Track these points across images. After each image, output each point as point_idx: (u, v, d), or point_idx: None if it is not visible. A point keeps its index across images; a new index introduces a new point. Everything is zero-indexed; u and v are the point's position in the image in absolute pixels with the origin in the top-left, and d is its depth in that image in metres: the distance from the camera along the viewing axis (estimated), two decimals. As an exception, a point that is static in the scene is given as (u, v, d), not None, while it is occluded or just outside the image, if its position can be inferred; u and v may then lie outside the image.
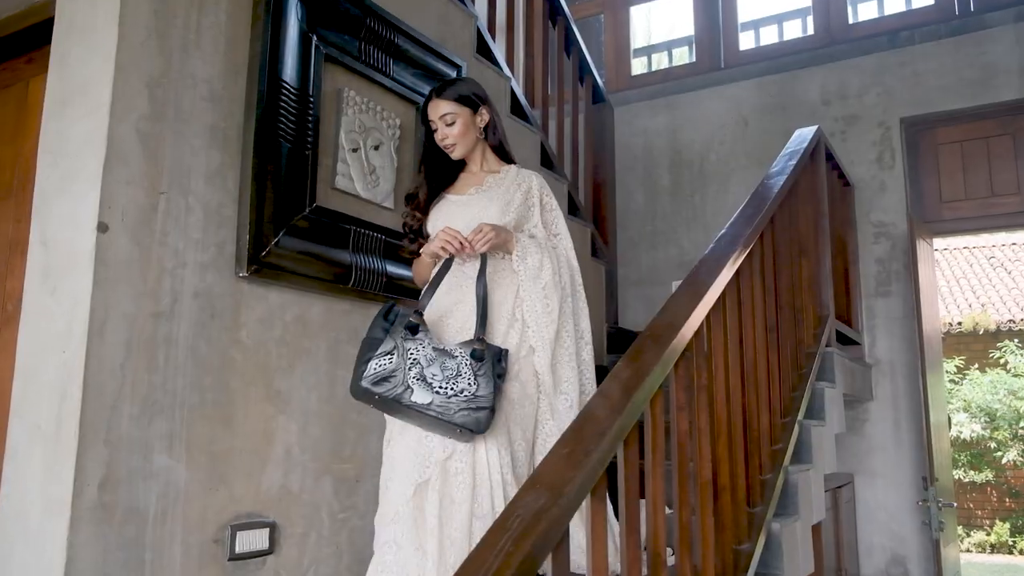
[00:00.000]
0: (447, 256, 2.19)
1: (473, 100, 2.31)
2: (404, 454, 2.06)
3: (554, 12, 3.94)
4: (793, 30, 5.42)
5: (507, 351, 2.10)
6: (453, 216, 2.27)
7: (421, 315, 2.08)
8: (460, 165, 2.39)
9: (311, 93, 2.36)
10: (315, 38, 2.39)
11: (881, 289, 4.56)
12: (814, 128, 3.77)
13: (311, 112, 2.35)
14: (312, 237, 2.32)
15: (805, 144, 3.56)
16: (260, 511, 2.15)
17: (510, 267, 2.25)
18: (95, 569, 1.77)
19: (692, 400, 2.21)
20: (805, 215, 3.55)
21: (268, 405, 2.21)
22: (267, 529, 2.15)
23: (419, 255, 2.30)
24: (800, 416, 3.03)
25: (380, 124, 2.64)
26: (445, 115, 2.27)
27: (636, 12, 5.77)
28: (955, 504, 4.34)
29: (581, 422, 1.69)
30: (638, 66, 5.72)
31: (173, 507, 1.94)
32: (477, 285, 2.14)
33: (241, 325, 2.15)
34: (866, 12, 5.06)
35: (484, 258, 2.17)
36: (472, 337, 2.08)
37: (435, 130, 2.30)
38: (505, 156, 2.43)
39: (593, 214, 4.20)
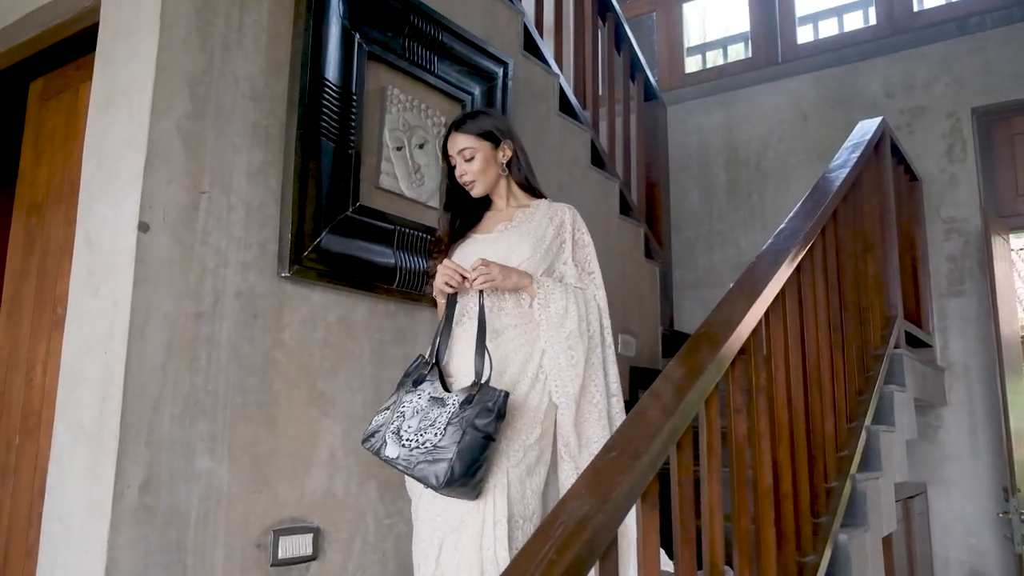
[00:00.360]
0: (451, 292, 2.10)
1: (494, 134, 2.23)
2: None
3: (604, 9, 3.86)
4: (854, 22, 5.23)
5: (506, 394, 1.91)
6: (479, 256, 2.15)
7: (432, 364, 2.03)
8: (486, 201, 2.31)
9: (354, 91, 2.32)
10: (358, 35, 2.35)
11: (954, 288, 4.34)
12: (878, 120, 3.61)
13: (354, 110, 2.32)
14: (356, 236, 2.29)
15: (868, 136, 3.40)
16: (304, 515, 2.11)
17: (533, 317, 2.14)
18: (136, 572, 1.74)
19: (751, 402, 2.10)
20: (870, 210, 3.39)
21: (312, 407, 2.17)
22: (311, 534, 2.11)
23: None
24: (868, 421, 2.87)
25: (425, 122, 2.59)
26: (464, 150, 2.20)
27: (689, 10, 5.65)
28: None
29: (630, 424, 1.60)
30: (692, 64, 5.59)
31: (215, 510, 1.91)
32: (478, 332, 2.02)
33: (284, 326, 2.12)
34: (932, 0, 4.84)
35: (481, 296, 2.07)
36: (473, 382, 1.96)
37: (454, 166, 2.24)
38: (533, 191, 2.35)
39: (646, 214, 4.09)
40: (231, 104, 2.05)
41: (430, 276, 2.23)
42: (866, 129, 3.53)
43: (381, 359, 2.37)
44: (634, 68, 4.10)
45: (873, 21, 4.97)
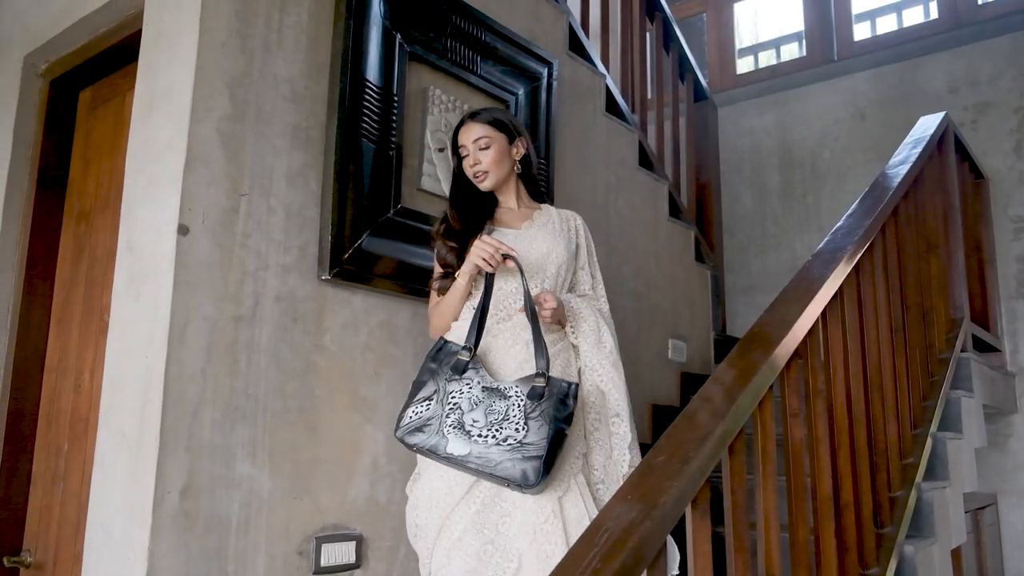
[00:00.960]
0: (489, 271, 1.95)
1: (510, 129, 2.16)
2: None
3: (652, 8, 3.78)
4: (913, 18, 5.04)
5: (576, 385, 1.85)
6: (522, 249, 2.07)
7: (472, 350, 1.89)
8: (491, 203, 2.19)
9: (395, 92, 2.29)
10: (399, 36, 2.32)
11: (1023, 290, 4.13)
12: (940, 115, 3.45)
13: (395, 111, 2.29)
14: (398, 238, 2.25)
15: (931, 132, 3.26)
16: (346, 523, 2.07)
17: (565, 344, 2.06)
18: (176, 579, 1.72)
19: (808, 407, 1.99)
20: (933, 208, 3.24)
21: (354, 413, 2.13)
22: (354, 542, 2.07)
23: (446, 289, 2.09)
24: (933, 428, 2.73)
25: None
26: (480, 139, 2.11)
27: (741, 11, 5.52)
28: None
29: (679, 427, 1.53)
30: (744, 66, 5.46)
31: (256, 517, 1.88)
32: (531, 321, 1.92)
33: (325, 330, 2.09)
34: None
35: (524, 281, 1.95)
36: (533, 372, 1.86)
37: (465, 156, 2.14)
38: (539, 196, 2.28)
39: (697, 217, 3.99)
40: (271, 106, 2.03)
41: (444, 262, 2.08)
42: (928, 124, 3.39)
43: (424, 364, 2.33)
44: (683, 68, 4.01)
45: (934, 15, 4.79)
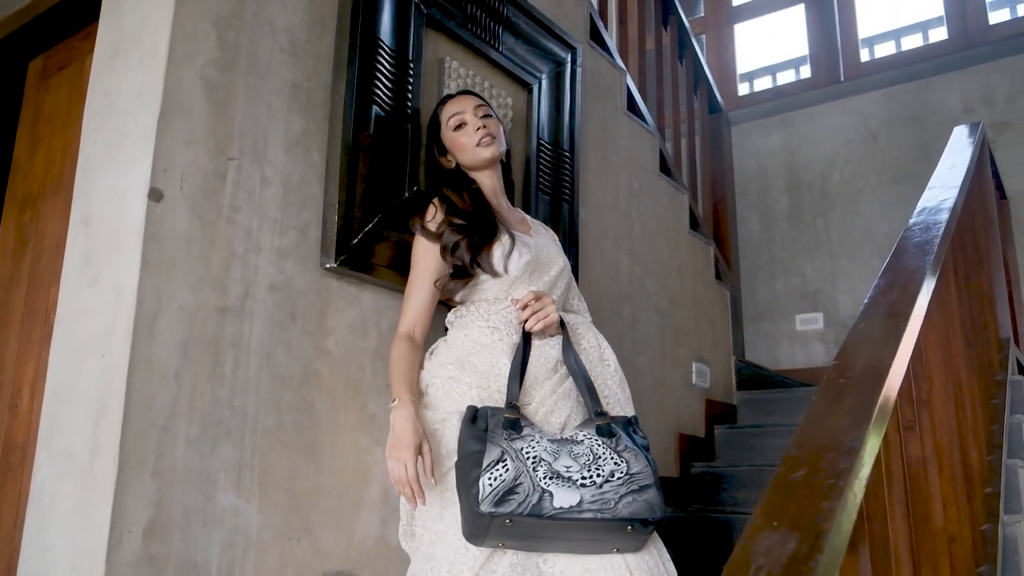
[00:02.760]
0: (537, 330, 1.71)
1: (497, 114, 1.99)
2: None
3: (666, 12, 3.52)
4: (912, 43, 4.89)
5: (635, 416, 1.69)
6: (544, 258, 1.85)
7: (516, 407, 1.58)
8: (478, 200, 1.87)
9: (411, 57, 1.95)
10: (415, -6, 1.99)
11: (1053, 316, 3.88)
12: (978, 123, 3.21)
13: (411, 79, 1.94)
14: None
15: (973, 139, 3.01)
16: (352, 569, 1.66)
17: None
18: (136, 648, 1.30)
19: (918, 417, 1.66)
20: (979, 222, 2.98)
21: (361, 434, 1.74)
22: (360, 595, 1.66)
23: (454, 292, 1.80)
24: (1005, 455, 2.42)
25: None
26: (481, 106, 1.90)
27: (743, 34, 5.31)
28: None
29: (806, 434, 1.18)
30: (746, 89, 5.25)
31: (241, 562, 1.47)
32: (566, 357, 1.71)
33: (328, 331, 1.71)
34: (1007, 14, 4.50)
35: (564, 326, 1.76)
36: (585, 418, 1.64)
37: (461, 126, 1.86)
38: (510, 195, 2.03)
39: (713, 234, 3.68)
40: (267, 57, 1.67)
41: (455, 257, 1.74)
42: (965, 133, 3.14)
43: (441, 378, 1.94)
44: (697, 78, 3.74)
45: (942, 38, 4.63)
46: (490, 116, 1.89)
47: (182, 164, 1.48)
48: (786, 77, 5.16)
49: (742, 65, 5.29)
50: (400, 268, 1.83)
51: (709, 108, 3.86)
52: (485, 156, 1.85)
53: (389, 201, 1.84)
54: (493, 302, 1.77)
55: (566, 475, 1.46)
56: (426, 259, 1.75)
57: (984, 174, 3.24)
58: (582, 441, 1.54)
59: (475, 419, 1.55)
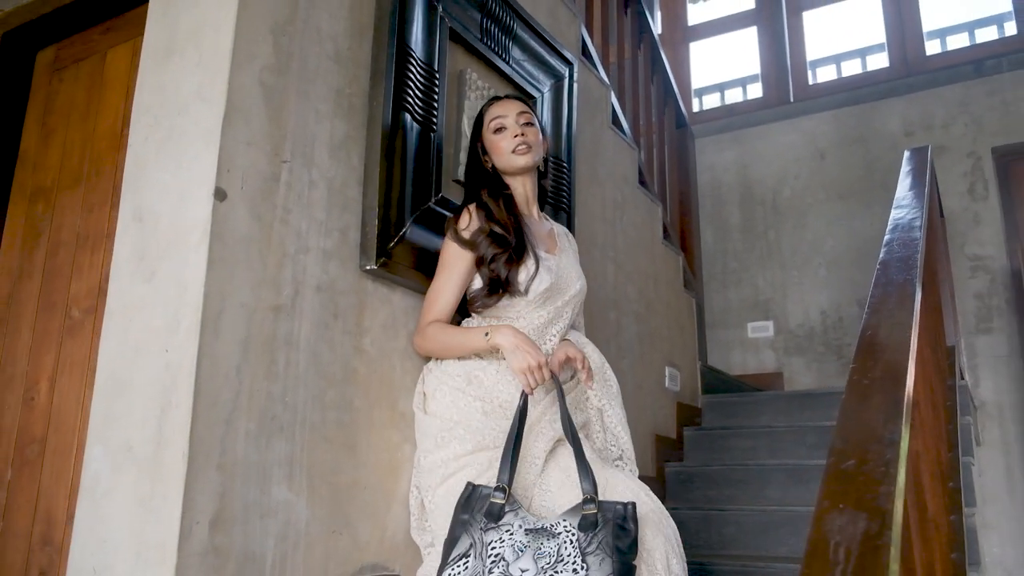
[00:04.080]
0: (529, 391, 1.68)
1: (540, 121, 2.02)
2: None
3: (640, 31, 3.67)
4: (854, 68, 5.18)
5: (634, 505, 1.53)
6: (563, 283, 1.86)
7: (506, 491, 1.56)
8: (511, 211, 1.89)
9: (437, 68, 2.02)
10: (440, 7, 2.06)
11: (982, 326, 4.21)
12: (926, 147, 3.46)
13: (437, 88, 2.01)
14: (438, 231, 1.95)
15: (926, 162, 3.25)
16: (384, 562, 1.72)
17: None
18: (204, 636, 1.33)
19: (913, 413, 1.82)
20: (931, 238, 3.22)
21: (393, 431, 1.80)
22: (392, 586, 1.72)
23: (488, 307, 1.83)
24: (960, 453, 2.64)
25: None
26: (523, 112, 1.94)
27: (697, 51, 5.53)
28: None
29: (847, 430, 1.32)
30: (698, 105, 5.46)
31: (293, 553, 1.51)
32: (565, 430, 1.67)
33: (365, 330, 1.76)
34: (952, 43, 4.82)
35: (562, 399, 1.70)
36: (578, 499, 1.55)
37: (501, 130, 1.91)
38: (542, 204, 2.09)
39: (680, 244, 3.85)
40: (315, 63, 1.72)
41: (495, 274, 1.78)
42: (917, 155, 3.38)
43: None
44: (666, 95, 3.91)
45: (881, 64, 4.93)
46: (531, 124, 1.93)
47: (243, 165, 1.52)
48: (740, 95, 5.39)
49: (697, 82, 5.51)
50: (424, 270, 1.89)
51: (676, 123, 4.03)
52: (519, 164, 1.90)
53: (419, 208, 1.90)
54: (504, 321, 1.81)
55: None
56: (457, 264, 1.81)
57: (933, 194, 3.49)
58: (558, 535, 1.50)
59: (469, 497, 1.57)
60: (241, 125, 1.53)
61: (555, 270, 1.86)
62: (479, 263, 1.81)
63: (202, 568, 1.34)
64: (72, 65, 2.13)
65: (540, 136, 1.96)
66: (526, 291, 1.79)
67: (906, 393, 1.40)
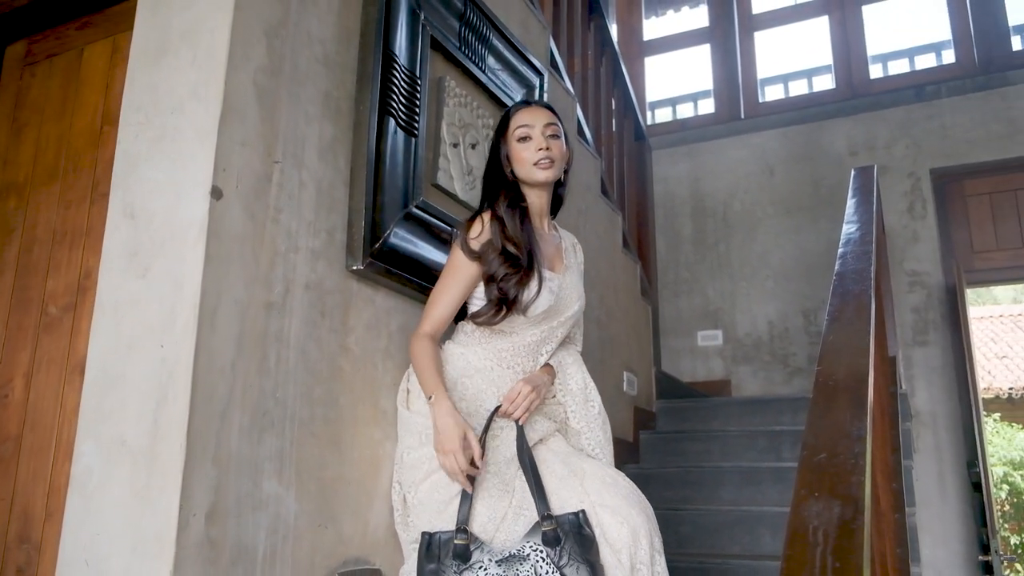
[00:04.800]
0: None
1: (566, 131, 1.95)
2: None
3: (603, 44, 3.78)
4: (800, 90, 5.40)
5: (583, 512, 1.63)
6: (561, 304, 1.86)
7: (466, 531, 1.61)
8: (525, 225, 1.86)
9: (419, 75, 2.07)
10: (423, 15, 2.11)
11: (919, 339, 4.42)
12: (872, 166, 3.64)
13: (419, 94, 2.06)
14: (417, 235, 2.00)
15: (873, 180, 3.42)
16: (367, 556, 1.75)
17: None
18: (198, 626, 1.35)
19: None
20: (879, 251, 3.39)
21: (375, 428, 1.83)
22: (374, 580, 1.75)
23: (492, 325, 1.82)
24: (903, 456, 2.79)
25: (476, 122, 2.36)
26: (551, 124, 1.87)
27: (652, 65, 5.68)
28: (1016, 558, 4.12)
29: (817, 427, 1.41)
30: (654, 120, 5.61)
31: (282, 546, 1.54)
32: (520, 457, 1.71)
33: (350, 329, 1.80)
34: (893, 67, 5.07)
35: (519, 428, 1.74)
36: (535, 519, 1.63)
37: (525, 139, 1.85)
38: (554, 211, 2.04)
39: (637, 253, 3.96)
40: (305, 66, 1.76)
41: (503, 293, 1.75)
42: (864, 174, 3.56)
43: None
44: (626, 107, 4.02)
45: (827, 86, 5.15)
46: (557, 137, 1.86)
47: (238, 165, 1.55)
48: (692, 110, 5.56)
49: (650, 96, 5.66)
50: (406, 272, 1.94)
51: (635, 135, 4.14)
52: (539, 178, 1.84)
53: (401, 211, 1.95)
54: (498, 333, 1.83)
55: None
56: (462, 273, 1.79)
57: (879, 211, 3.67)
58: (528, 557, 1.56)
59: (429, 547, 1.61)
60: (236, 125, 1.56)
61: (556, 291, 1.84)
62: (488, 280, 1.79)
63: (199, 559, 1.36)
64: (45, 60, 2.11)
65: (564, 148, 1.89)
66: (525, 311, 1.79)
67: (868, 394, 1.50)
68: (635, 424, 3.38)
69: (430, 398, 1.69)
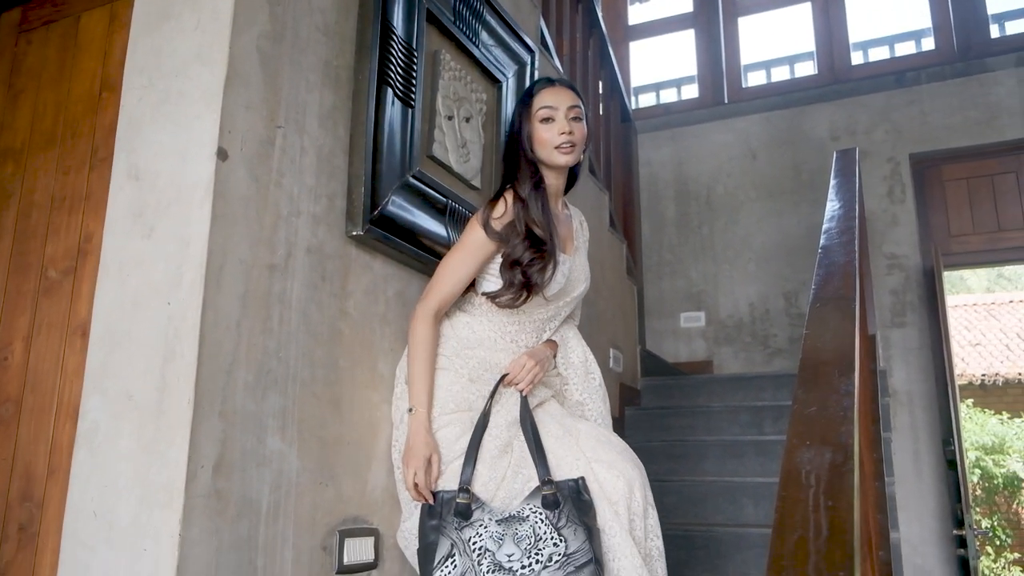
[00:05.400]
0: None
1: (586, 112, 1.93)
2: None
3: (591, 26, 3.81)
4: (782, 76, 5.47)
5: (583, 478, 1.68)
6: (570, 285, 1.90)
7: (468, 491, 1.67)
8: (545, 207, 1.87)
9: (415, 46, 2.10)
10: (419, -13, 2.14)
11: (896, 320, 4.51)
12: (854, 149, 3.71)
13: (415, 66, 2.09)
14: (413, 204, 2.03)
15: (855, 162, 3.49)
16: (366, 515, 1.80)
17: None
18: (206, 574, 1.39)
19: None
20: (860, 228, 3.46)
21: (372, 391, 1.87)
22: (372, 538, 1.79)
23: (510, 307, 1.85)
24: (883, 430, 2.87)
25: (470, 96, 2.39)
26: (574, 107, 1.85)
27: (636, 50, 5.73)
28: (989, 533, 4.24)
29: (807, 382, 1.48)
30: (639, 104, 5.67)
31: (285, 501, 1.58)
32: (523, 423, 1.76)
33: (349, 294, 1.83)
34: (874, 54, 5.14)
35: (533, 426, 1.78)
36: (536, 484, 1.68)
37: (547, 120, 1.84)
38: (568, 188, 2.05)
39: (623, 233, 4.01)
40: (306, 34, 1.78)
41: (526, 277, 1.77)
42: (847, 156, 3.63)
43: (434, 345, 2.10)
44: (612, 89, 4.06)
45: (808, 72, 5.22)
46: (579, 120, 1.85)
47: (242, 128, 1.57)
48: (675, 94, 5.61)
49: (636, 80, 5.71)
50: (402, 240, 1.97)
51: (621, 117, 4.19)
52: (560, 162, 1.85)
53: (399, 180, 1.98)
54: (507, 310, 1.85)
55: (507, 566, 1.56)
56: (481, 252, 1.81)
57: (860, 192, 3.75)
58: (527, 518, 1.61)
59: (431, 506, 1.67)
60: (241, 89, 1.58)
61: (567, 274, 1.87)
62: (511, 264, 1.79)
63: (206, 510, 1.40)
64: (41, 27, 2.12)
65: (585, 130, 1.89)
66: (539, 294, 1.82)
67: (856, 353, 1.57)
68: (620, 400, 3.44)
69: (410, 410, 1.74)
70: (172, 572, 1.33)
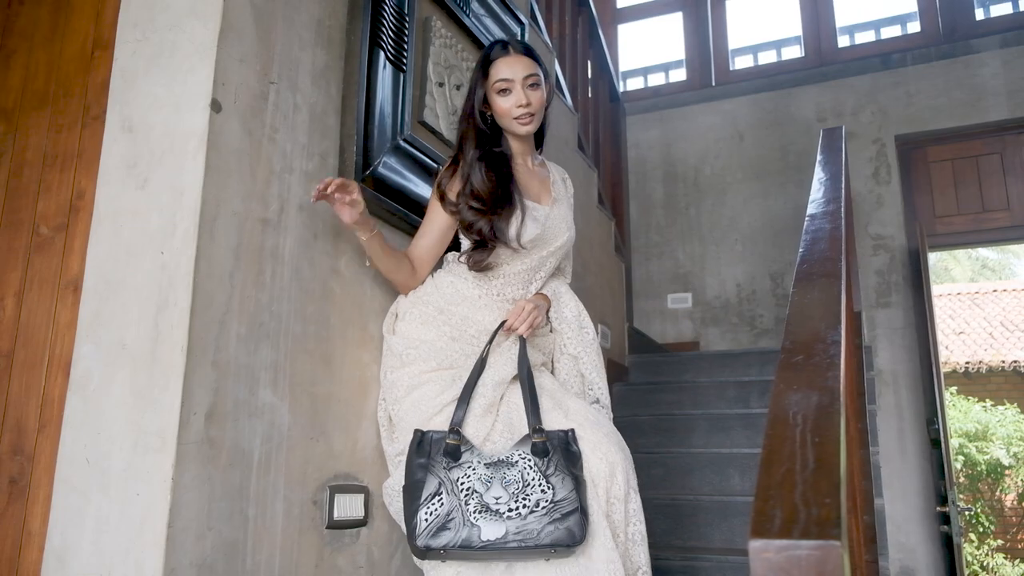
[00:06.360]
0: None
1: (546, 69, 1.95)
2: None
3: (580, 4, 3.83)
4: (768, 60, 5.50)
5: (573, 431, 1.70)
6: (549, 233, 1.92)
7: (458, 432, 1.68)
8: (507, 156, 1.94)
9: (406, 11, 2.11)
10: (411, -49, 2.15)
11: (881, 300, 4.56)
12: (841, 127, 3.74)
13: (407, 31, 2.10)
14: (404, 167, 2.05)
15: (842, 141, 3.52)
16: (356, 473, 1.81)
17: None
18: (198, 520, 1.40)
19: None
20: (847, 204, 3.50)
21: (363, 351, 1.89)
22: (362, 495, 1.81)
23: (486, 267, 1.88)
24: (867, 401, 2.91)
25: (460, 64, 2.40)
26: (531, 75, 1.86)
27: (625, 33, 5.74)
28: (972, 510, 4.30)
29: (794, 335, 1.50)
30: (627, 86, 5.68)
31: (276, 454, 1.59)
32: (520, 367, 1.78)
33: (341, 253, 1.85)
34: (860, 38, 5.18)
35: (529, 373, 1.79)
36: (527, 431, 1.70)
37: (505, 92, 1.85)
38: (539, 146, 2.10)
39: (611, 211, 4.03)
40: (299, -8, 1.79)
41: (475, 230, 1.83)
42: (834, 134, 3.66)
43: (425, 307, 2.12)
44: (602, 69, 4.08)
45: (795, 55, 5.25)
46: (537, 87, 1.87)
47: (236, 81, 1.58)
48: (663, 78, 5.63)
49: (624, 65, 5.72)
50: (392, 201, 1.98)
51: (610, 97, 4.21)
52: (520, 131, 1.89)
53: (390, 142, 1.99)
54: (491, 267, 1.89)
55: (494, 507, 1.57)
56: (437, 219, 1.90)
57: (848, 172, 3.78)
58: (516, 463, 1.62)
59: (420, 444, 1.67)
60: (235, 42, 1.59)
61: (542, 220, 1.90)
62: (466, 228, 1.86)
63: (199, 456, 1.41)
64: (36, -13, 2.11)
65: (543, 96, 1.90)
66: (515, 242, 1.84)
67: (842, 307, 1.59)
68: (608, 376, 3.45)
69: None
70: (164, 516, 1.34)
